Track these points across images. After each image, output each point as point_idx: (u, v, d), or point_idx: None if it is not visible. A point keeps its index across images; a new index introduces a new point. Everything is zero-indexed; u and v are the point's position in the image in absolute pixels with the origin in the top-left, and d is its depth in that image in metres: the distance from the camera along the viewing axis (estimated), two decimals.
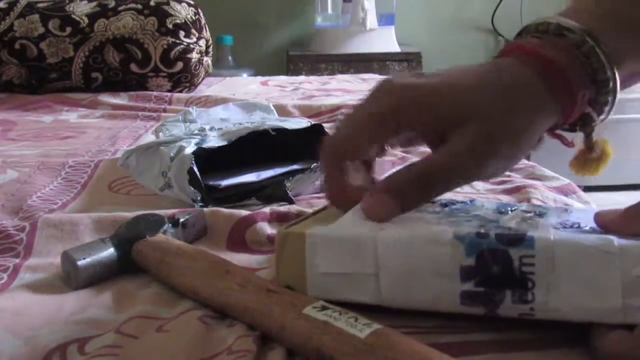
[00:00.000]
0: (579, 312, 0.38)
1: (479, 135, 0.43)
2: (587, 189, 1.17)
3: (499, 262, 0.38)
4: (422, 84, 0.46)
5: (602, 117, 0.48)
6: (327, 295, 0.41)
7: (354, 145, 0.46)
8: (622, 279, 0.37)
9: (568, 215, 0.46)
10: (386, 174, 0.46)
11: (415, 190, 0.44)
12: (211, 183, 0.68)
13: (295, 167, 0.72)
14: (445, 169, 0.44)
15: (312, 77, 1.73)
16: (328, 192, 0.48)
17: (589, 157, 0.50)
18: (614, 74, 0.45)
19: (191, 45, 1.44)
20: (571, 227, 0.42)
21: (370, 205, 0.44)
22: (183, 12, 1.46)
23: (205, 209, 0.61)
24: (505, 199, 0.68)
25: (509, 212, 0.46)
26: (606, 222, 0.41)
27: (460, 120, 0.44)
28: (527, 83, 0.45)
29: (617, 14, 0.47)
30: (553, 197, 0.69)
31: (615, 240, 0.38)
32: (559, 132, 0.49)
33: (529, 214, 0.45)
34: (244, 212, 0.61)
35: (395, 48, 2.53)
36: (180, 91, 1.45)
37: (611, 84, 0.46)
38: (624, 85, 0.48)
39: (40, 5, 1.45)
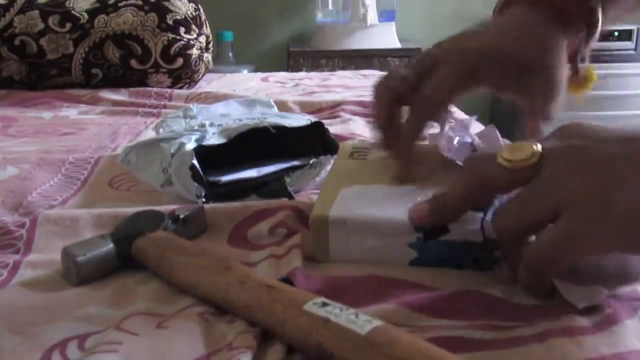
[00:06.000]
0: None
1: None
2: None
3: None
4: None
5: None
6: None
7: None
8: None
9: None
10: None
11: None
12: (211, 179, 0.68)
13: (295, 163, 0.72)
14: None
15: (312, 74, 1.73)
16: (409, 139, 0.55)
17: (573, 82, 0.58)
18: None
19: (191, 42, 1.44)
20: None
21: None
22: (183, 8, 1.45)
23: (205, 205, 0.61)
24: None
25: None
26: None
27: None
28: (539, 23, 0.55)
29: None
30: None
31: None
32: None
33: None
34: (245, 210, 0.60)
35: (396, 44, 2.53)
36: (181, 87, 1.45)
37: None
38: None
39: (40, 1, 1.45)
